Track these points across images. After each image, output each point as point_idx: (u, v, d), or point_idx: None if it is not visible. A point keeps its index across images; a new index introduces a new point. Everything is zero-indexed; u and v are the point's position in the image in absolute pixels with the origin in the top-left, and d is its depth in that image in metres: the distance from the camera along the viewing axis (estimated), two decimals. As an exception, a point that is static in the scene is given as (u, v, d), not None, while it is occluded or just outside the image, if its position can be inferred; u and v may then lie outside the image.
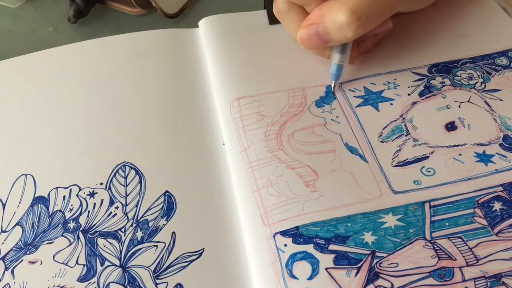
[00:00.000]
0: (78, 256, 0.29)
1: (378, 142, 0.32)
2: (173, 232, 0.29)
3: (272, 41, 0.39)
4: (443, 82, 0.35)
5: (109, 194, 0.31)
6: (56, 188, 0.32)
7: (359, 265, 0.27)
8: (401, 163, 0.31)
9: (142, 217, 0.30)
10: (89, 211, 0.31)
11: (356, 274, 0.26)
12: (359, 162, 0.31)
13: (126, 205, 0.31)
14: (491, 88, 0.34)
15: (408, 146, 0.32)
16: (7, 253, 0.29)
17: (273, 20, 0.40)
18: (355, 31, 0.30)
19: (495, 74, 0.35)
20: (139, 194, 0.31)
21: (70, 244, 0.29)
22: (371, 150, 0.32)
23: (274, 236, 0.28)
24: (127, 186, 0.32)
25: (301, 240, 0.28)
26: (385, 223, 0.28)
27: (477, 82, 0.35)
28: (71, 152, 0.34)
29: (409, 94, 0.35)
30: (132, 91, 0.37)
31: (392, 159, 0.31)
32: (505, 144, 0.31)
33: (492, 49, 0.37)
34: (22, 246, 0.30)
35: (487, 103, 0.33)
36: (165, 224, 0.30)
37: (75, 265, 0.29)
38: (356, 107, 0.34)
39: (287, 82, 0.36)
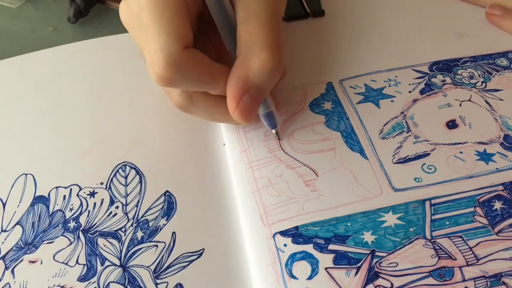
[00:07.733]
0: (78, 256, 0.29)
1: (379, 139, 0.32)
2: (173, 232, 0.29)
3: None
4: (444, 81, 0.35)
5: (109, 194, 0.31)
6: (56, 187, 0.32)
7: (358, 264, 0.27)
8: (402, 160, 0.31)
9: (142, 217, 0.30)
10: (89, 211, 0.31)
11: (356, 273, 0.26)
12: (359, 159, 0.31)
13: (127, 205, 0.31)
14: (492, 88, 0.34)
15: (409, 143, 0.32)
16: (7, 253, 0.29)
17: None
18: (282, 68, 0.28)
19: (496, 74, 0.35)
20: (139, 194, 0.31)
21: (70, 244, 0.29)
22: (372, 146, 0.32)
23: (273, 236, 0.28)
24: (127, 186, 0.32)
25: (301, 240, 0.28)
26: (385, 222, 0.28)
27: (477, 82, 0.35)
28: (71, 151, 0.34)
29: (410, 92, 0.34)
30: (132, 90, 0.37)
31: (393, 155, 0.31)
32: (505, 144, 0.31)
33: (493, 49, 0.37)
34: (22, 246, 0.30)
35: (487, 103, 0.33)
36: (165, 224, 0.30)
37: (75, 264, 0.29)
38: (356, 103, 0.34)
39: (286, 80, 0.36)
